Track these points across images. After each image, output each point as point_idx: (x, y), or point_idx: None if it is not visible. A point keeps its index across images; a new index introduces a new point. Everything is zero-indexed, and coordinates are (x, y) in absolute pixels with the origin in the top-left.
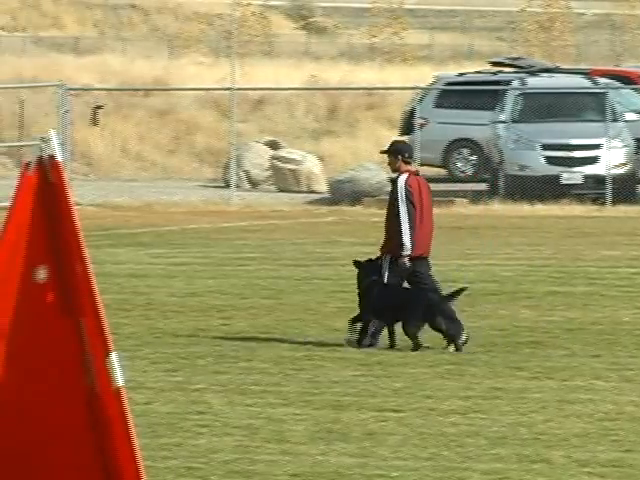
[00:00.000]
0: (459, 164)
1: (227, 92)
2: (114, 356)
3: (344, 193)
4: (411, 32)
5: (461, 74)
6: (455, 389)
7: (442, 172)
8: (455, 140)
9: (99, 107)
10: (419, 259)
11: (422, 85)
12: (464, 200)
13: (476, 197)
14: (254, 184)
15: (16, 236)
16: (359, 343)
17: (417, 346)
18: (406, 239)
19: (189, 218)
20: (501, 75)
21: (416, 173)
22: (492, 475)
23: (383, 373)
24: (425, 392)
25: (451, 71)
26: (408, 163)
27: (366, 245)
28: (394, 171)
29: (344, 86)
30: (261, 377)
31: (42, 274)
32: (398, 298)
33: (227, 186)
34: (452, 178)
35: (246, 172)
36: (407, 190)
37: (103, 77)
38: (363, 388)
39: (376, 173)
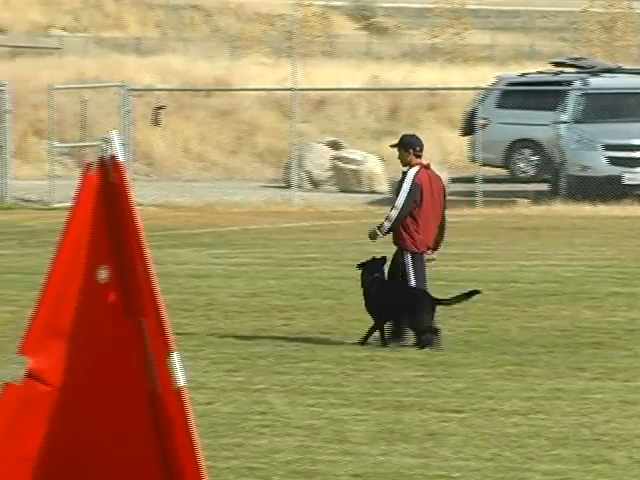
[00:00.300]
0: (521, 164)
1: (289, 92)
2: (175, 356)
3: None
4: (473, 32)
5: (523, 74)
6: (517, 390)
7: (503, 172)
8: (517, 140)
9: (161, 107)
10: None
11: (484, 85)
12: (525, 201)
13: (538, 198)
14: (315, 184)
15: (78, 237)
16: (383, 343)
17: (425, 340)
18: (387, 224)
19: (250, 218)
20: (563, 75)
21: (427, 166)
22: (553, 476)
23: (444, 374)
24: (486, 393)
25: (513, 71)
26: (419, 157)
27: None
28: (405, 165)
29: (405, 86)
30: (322, 377)
31: (104, 274)
32: (398, 295)
33: (288, 186)
34: (514, 178)
35: (307, 172)
36: (414, 184)
37: (165, 77)
38: (424, 389)
39: (438, 173)
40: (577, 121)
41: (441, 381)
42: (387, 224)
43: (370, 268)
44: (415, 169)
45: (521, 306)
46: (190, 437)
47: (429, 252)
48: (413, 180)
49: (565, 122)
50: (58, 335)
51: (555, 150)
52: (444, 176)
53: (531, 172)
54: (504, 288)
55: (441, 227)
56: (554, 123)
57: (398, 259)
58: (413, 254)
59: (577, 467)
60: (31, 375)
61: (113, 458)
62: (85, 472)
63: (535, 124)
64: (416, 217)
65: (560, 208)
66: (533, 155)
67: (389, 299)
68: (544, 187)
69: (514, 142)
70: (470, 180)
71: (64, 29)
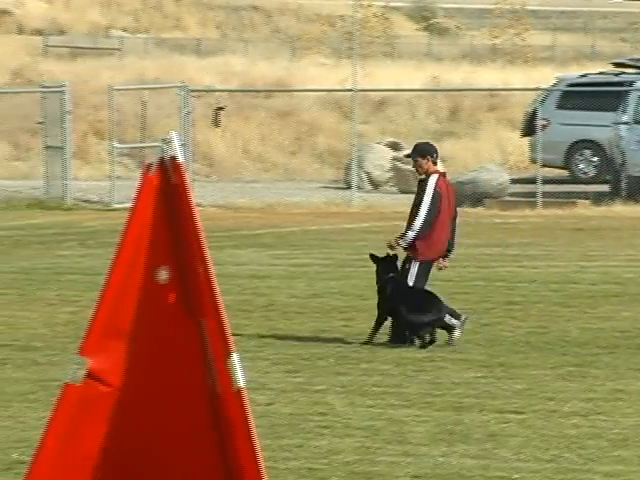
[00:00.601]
0: (581, 165)
1: (349, 93)
2: (235, 357)
3: (466, 194)
4: (533, 33)
5: (583, 75)
6: (577, 391)
7: (564, 173)
8: (577, 141)
9: (221, 108)
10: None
11: (544, 86)
12: (586, 201)
13: (598, 198)
14: (375, 185)
15: (138, 237)
16: (370, 339)
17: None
18: (411, 234)
19: (310, 219)
20: (623, 76)
21: (444, 175)
22: (614, 477)
23: (504, 375)
24: (546, 394)
25: (573, 72)
26: (435, 164)
27: (488, 246)
28: (423, 173)
29: (466, 87)
30: (382, 378)
31: (164, 275)
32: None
33: (348, 187)
34: (574, 179)
35: (367, 173)
36: (436, 192)
37: (225, 78)
38: (484, 390)
39: (498, 174)
40: (638, 122)
41: (501, 382)
42: (411, 234)
43: (385, 266)
44: (435, 177)
45: (581, 307)
46: (250, 438)
47: (441, 260)
48: (434, 189)
49: (626, 123)
50: (118, 336)
51: (616, 151)
52: (504, 177)
53: (591, 173)
54: (564, 289)
55: (453, 234)
56: (615, 124)
57: (406, 264)
58: (421, 263)
59: (637, 468)
60: (91, 375)
61: (173, 459)
62: (145, 472)
63: (596, 125)
64: (433, 226)
65: (620, 209)
66: (593, 156)
67: (403, 299)
68: (604, 188)
69: (574, 143)
70: (530, 181)
71: (124, 30)
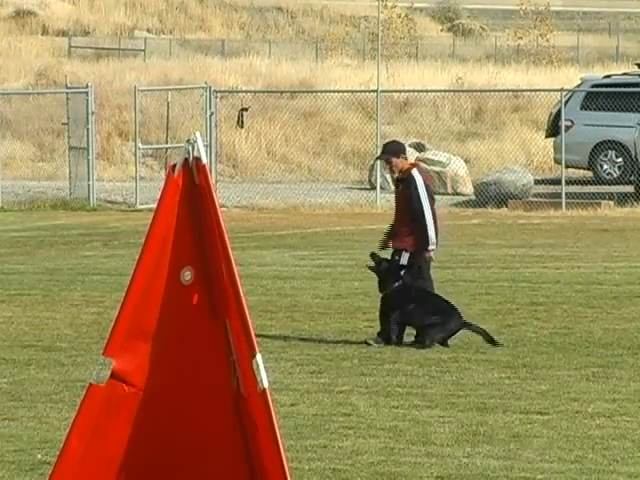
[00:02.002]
0: (605, 166)
1: (373, 94)
2: (259, 358)
3: (490, 195)
4: (557, 34)
5: (607, 76)
6: (601, 392)
7: (588, 174)
8: (601, 142)
9: (245, 109)
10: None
11: (568, 87)
12: (610, 202)
13: (622, 199)
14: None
15: (162, 238)
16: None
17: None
18: (432, 233)
19: (334, 220)
20: None
21: (418, 164)
22: (638, 478)
23: (528, 375)
24: (570, 395)
25: (597, 73)
26: (406, 159)
27: (512, 247)
28: (398, 172)
29: (490, 88)
30: (406, 379)
31: (188, 275)
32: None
33: (372, 188)
34: (598, 180)
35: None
36: (426, 185)
37: (249, 79)
38: (508, 390)
39: (522, 175)
40: None
41: (525, 383)
42: (431, 233)
43: (393, 272)
44: (416, 171)
45: (606, 308)
46: (274, 438)
47: (432, 254)
48: (423, 182)
49: None
50: (142, 336)
51: None
52: (528, 178)
53: (616, 174)
54: (588, 290)
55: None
56: (639, 125)
57: (396, 256)
58: (412, 253)
59: None
60: (116, 376)
61: (198, 459)
62: (169, 473)
63: (620, 126)
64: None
65: None
66: (618, 157)
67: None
68: (629, 189)
69: (599, 144)
70: (555, 182)
71: (148, 31)
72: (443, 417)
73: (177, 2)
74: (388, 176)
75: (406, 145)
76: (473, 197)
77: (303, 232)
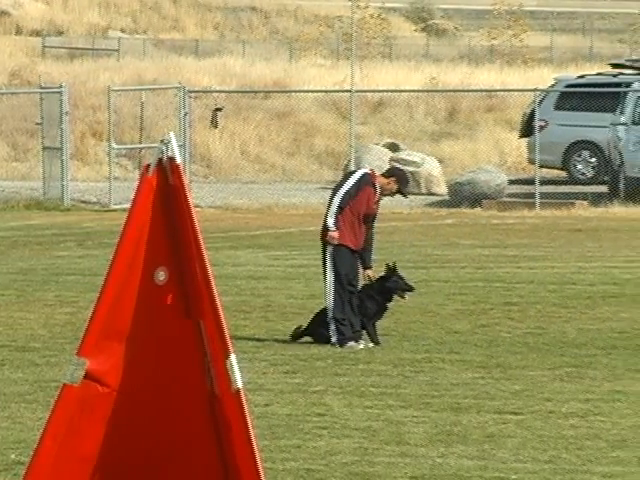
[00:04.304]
0: (579, 166)
1: (347, 94)
2: (233, 358)
3: (464, 195)
4: (531, 34)
5: (581, 76)
6: (575, 392)
7: (562, 174)
8: (575, 142)
9: (219, 109)
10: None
11: (542, 87)
12: (584, 202)
13: (596, 199)
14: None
15: (136, 238)
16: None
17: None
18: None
19: (308, 220)
20: (621, 77)
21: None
22: (612, 478)
23: (502, 375)
24: (544, 395)
25: (571, 73)
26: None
27: (486, 247)
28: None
29: (464, 88)
30: (380, 379)
31: (162, 276)
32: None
33: None
34: (572, 180)
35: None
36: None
37: (223, 79)
38: (482, 390)
39: (496, 175)
40: (636, 123)
41: (499, 383)
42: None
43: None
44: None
45: (579, 308)
46: (248, 438)
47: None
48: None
49: (624, 124)
50: (116, 336)
51: (614, 152)
52: (502, 178)
53: (589, 174)
54: (562, 290)
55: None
56: (613, 125)
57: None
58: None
59: (636, 469)
60: (90, 376)
61: (172, 459)
62: (143, 473)
63: (594, 126)
64: None
65: (618, 210)
66: (591, 157)
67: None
68: (603, 189)
69: (573, 144)
70: (528, 182)
71: (122, 31)
72: (417, 417)
73: (151, 2)
74: None
75: (380, 145)
76: (447, 197)
77: (277, 232)
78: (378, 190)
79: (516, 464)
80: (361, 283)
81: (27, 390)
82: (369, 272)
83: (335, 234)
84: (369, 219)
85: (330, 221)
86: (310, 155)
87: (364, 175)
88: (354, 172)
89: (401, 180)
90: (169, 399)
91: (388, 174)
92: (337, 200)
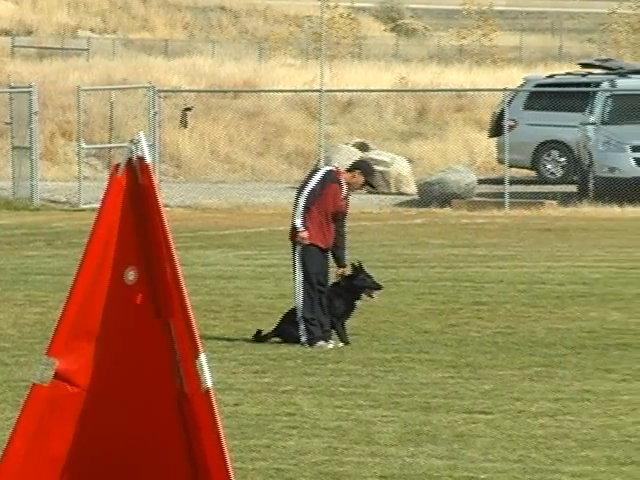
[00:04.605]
0: (548, 166)
1: (316, 94)
2: (203, 357)
3: (433, 195)
4: (500, 34)
5: (550, 76)
6: (544, 391)
7: (531, 174)
8: (544, 142)
9: (188, 109)
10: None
11: (511, 87)
12: (553, 202)
13: (565, 199)
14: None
15: (106, 238)
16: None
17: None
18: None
19: (278, 220)
20: (591, 77)
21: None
22: (581, 477)
23: (472, 375)
24: (514, 394)
25: (541, 73)
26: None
27: (456, 247)
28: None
29: (433, 88)
30: (350, 379)
31: (132, 275)
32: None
33: None
34: (541, 180)
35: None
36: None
37: (192, 79)
38: (452, 390)
39: (465, 175)
40: (605, 122)
41: (468, 382)
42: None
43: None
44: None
45: (549, 307)
46: (218, 438)
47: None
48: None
49: (593, 123)
50: (86, 336)
51: (583, 151)
52: (472, 178)
53: (559, 174)
54: (532, 289)
55: None
56: (582, 124)
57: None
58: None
59: (605, 469)
60: (59, 376)
61: (141, 459)
62: (113, 473)
63: (563, 125)
64: None
65: (588, 209)
66: (561, 157)
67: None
68: (572, 189)
69: (542, 144)
70: (498, 182)
71: (92, 31)
72: (387, 417)
73: (120, 2)
74: None
75: (349, 145)
76: (416, 197)
77: (247, 232)
78: (344, 186)
79: (485, 463)
80: (332, 281)
81: None
82: (343, 270)
83: (305, 234)
84: (338, 217)
85: (298, 222)
86: (280, 155)
87: (328, 172)
88: (318, 170)
89: (366, 171)
90: (139, 399)
91: (352, 167)
92: (302, 200)
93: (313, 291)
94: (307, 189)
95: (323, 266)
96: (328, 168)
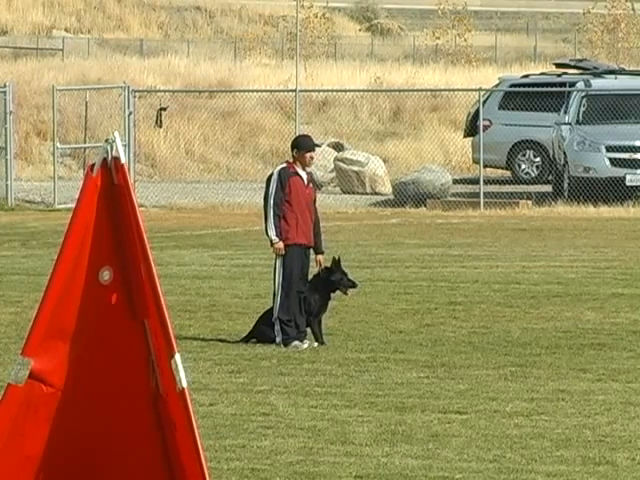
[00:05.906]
0: (523, 166)
1: (291, 94)
2: (178, 357)
3: (408, 195)
4: (475, 34)
5: (525, 76)
6: (519, 391)
7: (506, 174)
8: (519, 142)
9: (163, 109)
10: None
11: (486, 87)
12: (528, 202)
13: (540, 199)
14: (318, 186)
15: (80, 238)
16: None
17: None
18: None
19: (253, 220)
20: (565, 77)
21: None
22: (556, 477)
23: (447, 375)
24: (489, 394)
25: (515, 73)
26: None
27: (431, 247)
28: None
29: (408, 88)
30: (325, 379)
31: (106, 275)
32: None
33: None
34: (516, 180)
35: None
36: None
37: (167, 79)
38: (427, 390)
39: (440, 175)
40: (580, 122)
41: (443, 382)
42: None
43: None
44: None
45: (524, 307)
46: (193, 438)
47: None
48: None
49: (568, 123)
50: (61, 336)
51: (558, 151)
52: (447, 177)
53: (534, 173)
54: (507, 289)
55: None
56: (557, 124)
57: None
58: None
59: (580, 468)
60: (34, 376)
61: (116, 459)
62: (89, 472)
63: (538, 125)
64: None
65: (563, 209)
66: (536, 157)
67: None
68: (547, 188)
69: (517, 143)
70: (473, 181)
71: (67, 30)
72: (362, 417)
73: (95, 2)
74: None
75: (325, 145)
76: (392, 197)
77: (222, 232)
78: (302, 173)
79: (461, 463)
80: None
81: None
82: (320, 257)
83: (280, 245)
84: (310, 204)
85: (272, 233)
86: (255, 155)
87: (281, 170)
88: (272, 174)
89: (297, 143)
90: (114, 399)
91: (292, 151)
92: (270, 210)
93: (291, 292)
94: (271, 198)
95: (302, 267)
96: (279, 167)
